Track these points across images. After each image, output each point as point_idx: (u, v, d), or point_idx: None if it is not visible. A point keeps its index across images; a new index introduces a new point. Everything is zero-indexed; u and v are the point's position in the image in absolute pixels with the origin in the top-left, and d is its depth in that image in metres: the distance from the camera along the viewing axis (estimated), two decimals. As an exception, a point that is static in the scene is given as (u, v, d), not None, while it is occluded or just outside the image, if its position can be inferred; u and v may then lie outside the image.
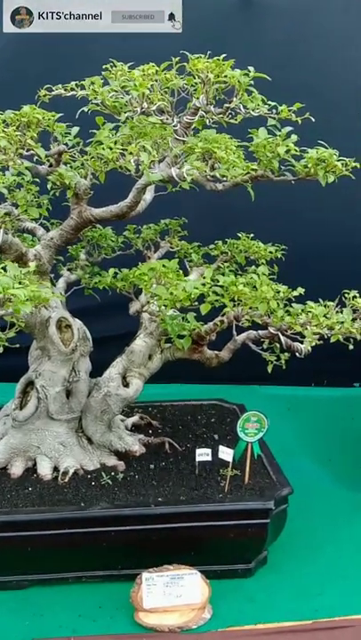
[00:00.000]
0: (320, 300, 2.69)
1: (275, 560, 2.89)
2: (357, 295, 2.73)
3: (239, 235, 3.40)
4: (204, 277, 2.42)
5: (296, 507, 3.10)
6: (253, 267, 2.90)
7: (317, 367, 4.68)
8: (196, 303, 2.47)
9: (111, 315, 3.74)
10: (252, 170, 2.28)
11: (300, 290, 2.56)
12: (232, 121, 2.55)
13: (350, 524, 3.19)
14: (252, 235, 3.41)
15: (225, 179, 2.39)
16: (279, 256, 3.26)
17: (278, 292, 2.46)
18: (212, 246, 3.49)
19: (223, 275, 3.32)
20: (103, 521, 2.62)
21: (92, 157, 2.33)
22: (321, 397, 4.83)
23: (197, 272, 3.35)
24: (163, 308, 2.32)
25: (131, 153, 2.25)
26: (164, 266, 2.42)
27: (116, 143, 2.33)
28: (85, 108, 2.45)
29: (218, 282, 2.44)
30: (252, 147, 2.36)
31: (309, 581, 2.78)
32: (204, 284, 2.33)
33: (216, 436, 3.32)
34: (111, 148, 2.27)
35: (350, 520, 3.23)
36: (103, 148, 2.26)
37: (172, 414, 3.62)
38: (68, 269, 3.41)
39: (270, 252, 3.30)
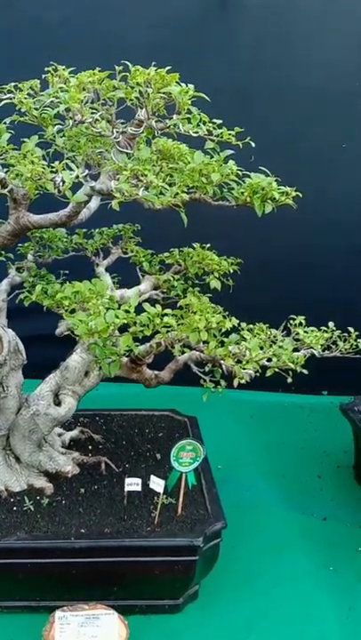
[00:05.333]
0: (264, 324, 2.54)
1: (207, 594, 2.75)
2: (303, 322, 2.57)
3: (194, 245, 3.21)
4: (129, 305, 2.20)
5: (237, 532, 2.95)
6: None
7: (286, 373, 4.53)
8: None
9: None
10: (183, 193, 2.07)
11: (235, 321, 2.36)
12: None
13: (293, 552, 3.05)
14: (208, 245, 3.22)
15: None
16: (231, 271, 3.06)
17: (210, 322, 2.26)
18: (166, 254, 3.29)
19: (174, 287, 3.19)
20: (18, 552, 2.47)
21: (13, 172, 2.12)
22: (286, 404, 4.66)
23: (148, 281, 3.18)
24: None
25: (53, 171, 2.04)
26: (90, 289, 2.23)
27: (43, 157, 2.13)
28: (8, 120, 2.24)
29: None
30: (187, 171, 2.15)
31: (240, 617, 2.65)
32: (127, 313, 2.14)
33: (159, 456, 3.16)
34: (33, 162, 2.06)
35: (293, 547, 3.09)
36: (25, 164, 2.05)
37: (118, 426, 3.46)
38: (17, 269, 3.19)
39: (225, 266, 3.10)
